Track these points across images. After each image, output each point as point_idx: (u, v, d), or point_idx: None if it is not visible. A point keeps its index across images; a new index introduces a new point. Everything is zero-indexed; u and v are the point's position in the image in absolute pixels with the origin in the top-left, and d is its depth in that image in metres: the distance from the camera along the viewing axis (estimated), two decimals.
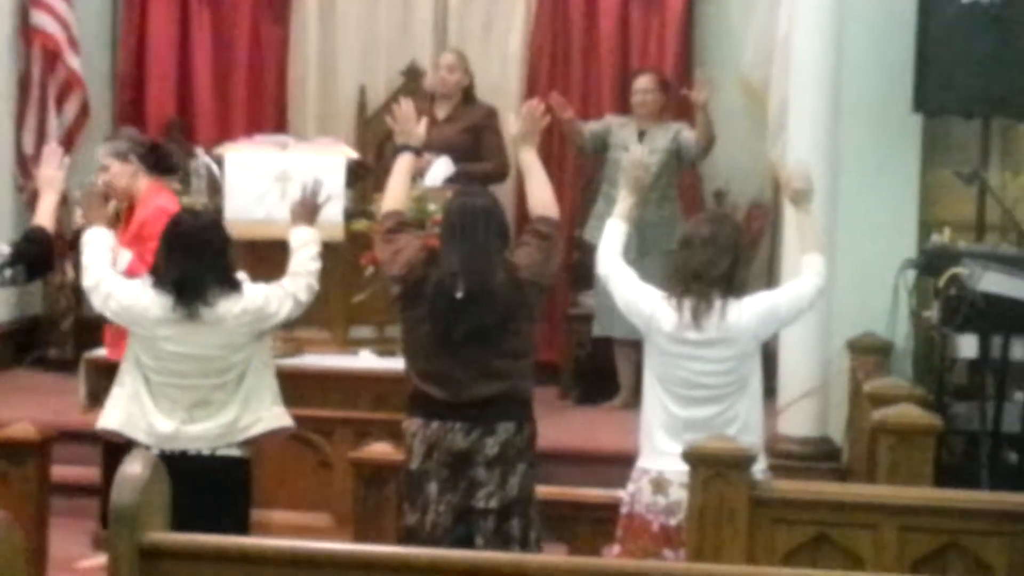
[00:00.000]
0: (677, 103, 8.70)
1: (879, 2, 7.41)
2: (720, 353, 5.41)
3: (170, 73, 9.69)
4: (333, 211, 6.81)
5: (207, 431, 5.39)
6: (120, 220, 6.58)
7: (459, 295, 5.30)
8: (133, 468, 3.91)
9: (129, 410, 5.45)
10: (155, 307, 5.35)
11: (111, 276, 5.50)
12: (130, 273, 5.85)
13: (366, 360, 7.16)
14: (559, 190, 5.81)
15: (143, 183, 6.59)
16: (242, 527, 5.28)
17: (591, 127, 8.57)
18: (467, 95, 8.75)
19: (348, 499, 6.13)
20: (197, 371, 5.37)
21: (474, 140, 8.53)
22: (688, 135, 8.34)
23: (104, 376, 6.43)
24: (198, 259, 5.35)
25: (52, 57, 9.29)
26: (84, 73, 9.40)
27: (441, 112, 8.57)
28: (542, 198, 5.57)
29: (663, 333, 5.43)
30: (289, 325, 6.02)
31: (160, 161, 6.72)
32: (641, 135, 8.36)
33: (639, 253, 7.44)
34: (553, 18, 9.45)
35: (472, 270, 5.33)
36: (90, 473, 6.78)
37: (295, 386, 5.90)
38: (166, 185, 6.86)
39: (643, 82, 8.55)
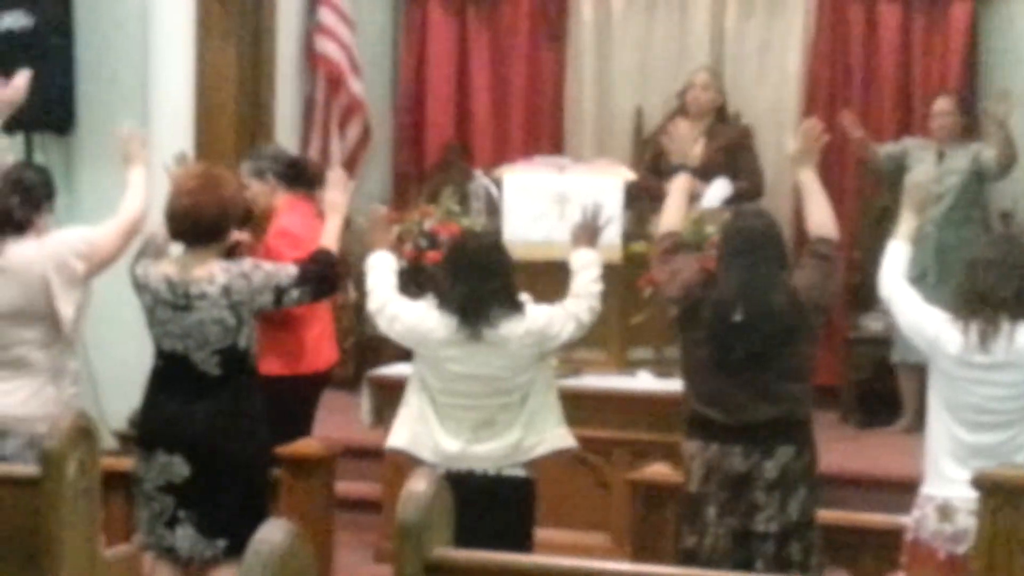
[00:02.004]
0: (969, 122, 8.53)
1: None
2: (1009, 377, 5.26)
3: (449, 96, 9.84)
4: (611, 232, 6.82)
5: (492, 451, 5.40)
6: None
7: (738, 318, 5.26)
8: (418, 485, 3.96)
9: (415, 430, 5.49)
10: (439, 328, 5.39)
11: (396, 299, 5.57)
12: None
13: (644, 381, 7.15)
14: (838, 210, 5.73)
15: (281, 199, 6.57)
16: (525, 547, 5.29)
17: (887, 149, 8.46)
18: (720, 114, 8.71)
19: (626, 520, 6.13)
20: (481, 392, 5.40)
21: (728, 159, 8.47)
22: (988, 154, 8.16)
23: (387, 394, 6.55)
24: (481, 280, 5.37)
25: (335, 82, 9.49)
26: (366, 97, 9.60)
27: (695, 131, 8.55)
28: (821, 218, 5.50)
29: (949, 356, 5.30)
30: (568, 346, 6.04)
31: (300, 176, 6.71)
32: (940, 156, 8.24)
33: (938, 277, 7.32)
34: (832, 37, 9.34)
35: (751, 292, 5.28)
36: (373, 489, 6.90)
37: (574, 407, 5.89)
38: (309, 198, 6.86)
39: (942, 104, 8.42)
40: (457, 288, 5.37)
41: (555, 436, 5.47)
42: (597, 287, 5.53)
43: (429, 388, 5.45)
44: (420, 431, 5.45)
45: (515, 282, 5.47)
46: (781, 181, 8.69)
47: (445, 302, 5.39)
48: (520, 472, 5.42)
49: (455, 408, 5.40)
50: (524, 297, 5.45)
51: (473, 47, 9.85)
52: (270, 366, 5.81)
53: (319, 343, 6.46)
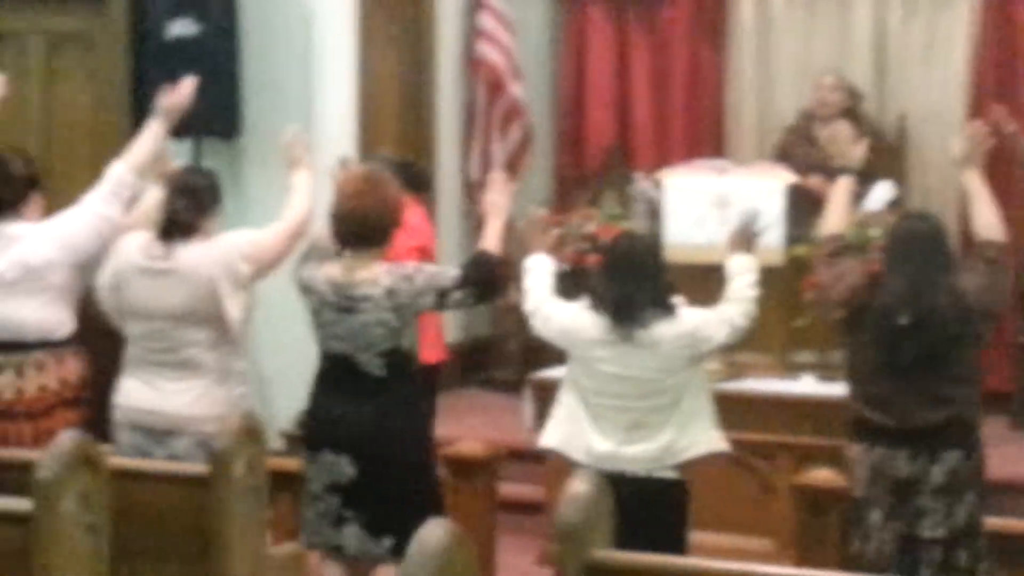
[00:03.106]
0: None
1: None
2: None
3: (609, 100, 9.85)
4: (772, 236, 6.77)
5: (643, 453, 5.40)
6: None
7: (903, 321, 5.20)
8: (579, 487, 3.96)
9: (568, 430, 5.52)
10: (592, 329, 5.41)
11: (550, 300, 5.60)
12: None
13: (808, 385, 7.09)
14: (1006, 213, 5.63)
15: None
16: (678, 549, 5.28)
17: None
18: (848, 116, 8.62)
19: (789, 524, 6.08)
20: (633, 393, 5.40)
21: None
22: None
23: (549, 397, 6.54)
24: (635, 282, 5.38)
25: (496, 86, 9.53)
26: (526, 101, 9.63)
27: (822, 132, 8.46)
28: (988, 221, 5.42)
29: None
30: (730, 349, 6.01)
31: (412, 179, 6.74)
32: None
33: None
34: (997, 36, 9.19)
35: (917, 296, 5.23)
36: (536, 491, 6.91)
37: (736, 410, 5.88)
38: (419, 200, 6.84)
39: None
40: (610, 289, 5.39)
41: (708, 439, 5.45)
42: (752, 292, 5.50)
43: (582, 389, 5.47)
44: (572, 432, 5.47)
45: (669, 284, 5.46)
46: (946, 183, 8.58)
47: (598, 303, 5.41)
48: (671, 474, 5.41)
49: (607, 409, 5.41)
50: (678, 300, 5.44)
51: (633, 50, 9.84)
52: None
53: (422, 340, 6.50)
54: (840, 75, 8.84)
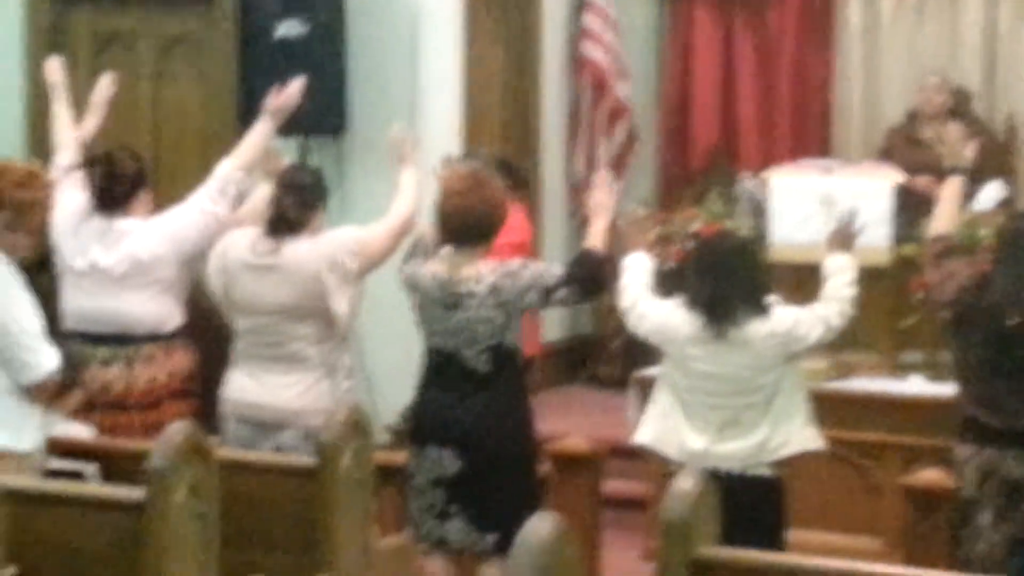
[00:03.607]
0: None
1: None
2: None
3: (714, 99, 9.80)
4: (879, 235, 6.73)
5: (737, 450, 5.40)
6: None
7: (1012, 321, 5.16)
8: (684, 484, 3.95)
9: (662, 427, 5.53)
10: (685, 326, 5.41)
11: (646, 297, 5.60)
12: None
13: (916, 385, 7.03)
14: None
15: None
16: (775, 546, 5.26)
17: None
18: (954, 116, 8.53)
19: (898, 524, 6.03)
20: (727, 390, 5.40)
21: None
22: None
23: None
24: (728, 280, 5.38)
25: (601, 86, 9.53)
26: (631, 100, 9.62)
27: (926, 134, 8.37)
28: None
29: None
30: (837, 349, 5.98)
31: (511, 177, 6.73)
32: None
33: None
34: None
35: None
36: (640, 488, 6.90)
37: (843, 409, 5.85)
38: (518, 198, 6.81)
39: None
40: (703, 287, 5.39)
41: (803, 437, 5.44)
42: (849, 291, 5.48)
43: (675, 386, 5.48)
44: (667, 428, 5.49)
45: (763, 283, 5.45)
46: None
47: (692, 301, 5.40)
48: (766, 472, 5.40)
49: (701, 406, 5.42)
50: (772, 298, 5.42)
51: (739, 49, 9.79)
52: None
53: None
54: (945, 76, 8.75)
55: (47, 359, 5.06)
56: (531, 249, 6.80)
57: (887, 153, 8.65)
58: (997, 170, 8.25)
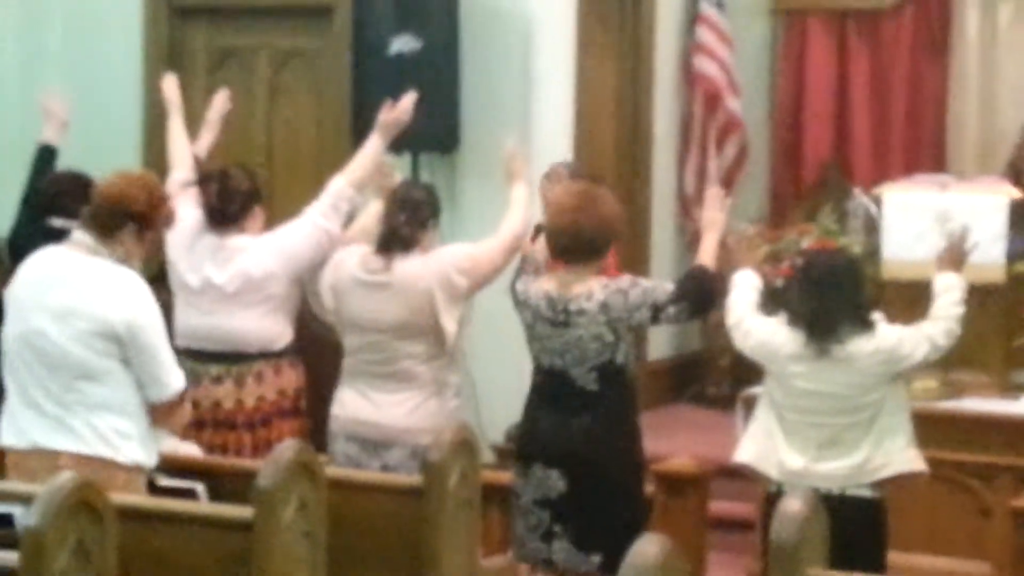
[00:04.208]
0: None
1: None
2: None
3: (827, 114, 9.73)
4: (994, 252, 6.64)
5: (836, 470, 5.35)
6: None
7: None
8: (794, 505, 3.94)
9: (762, 445, 5.50)
10: (788, 344, 5.38)
11: (751, 315, 5.58)
12: None
13: None
14: None
15: None
16: (876, 568, 5.21)
17: None
18: None
19: (1008, 548, 5.95)
20: (828, 409, 5.35)
21: None
22: None
23: None
24: (831, 296, 5.34)
25: (713, 100, 9.50)
26: (743, 115, 9.58)
27: None
28: None
29: None
30: (946, 368, 5.92)
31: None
32: None
33: None
34: None
35: None
36: (747, 509, 6.86)
37: (953, 429, 5.79)
38: None
39: None
40: (807, 304, 5.35)
41: (904, 458, 5.38)
42: (957, 311, 5.43)
43: (776, 405, 5.46)
44: (766, 447, 5.46)
45: (867, 300, 5.41)
46: None
47: (794, 317, 5.37)
48: (866, 492, 5.35)
49: (801, 425, 5.38)
50: (876, 316, 5.38)
51: (852, 62, 9.71)
52: None
53: None
54: None
55: (176, 378, 5.06)
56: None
57: (1015, 167, 8.54)
58: None
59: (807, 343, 5.33)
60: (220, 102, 6.84)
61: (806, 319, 5.35)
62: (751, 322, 5.56)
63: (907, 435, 5.40)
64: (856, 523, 5.29)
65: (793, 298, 5.48)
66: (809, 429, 5.38)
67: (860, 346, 5.30)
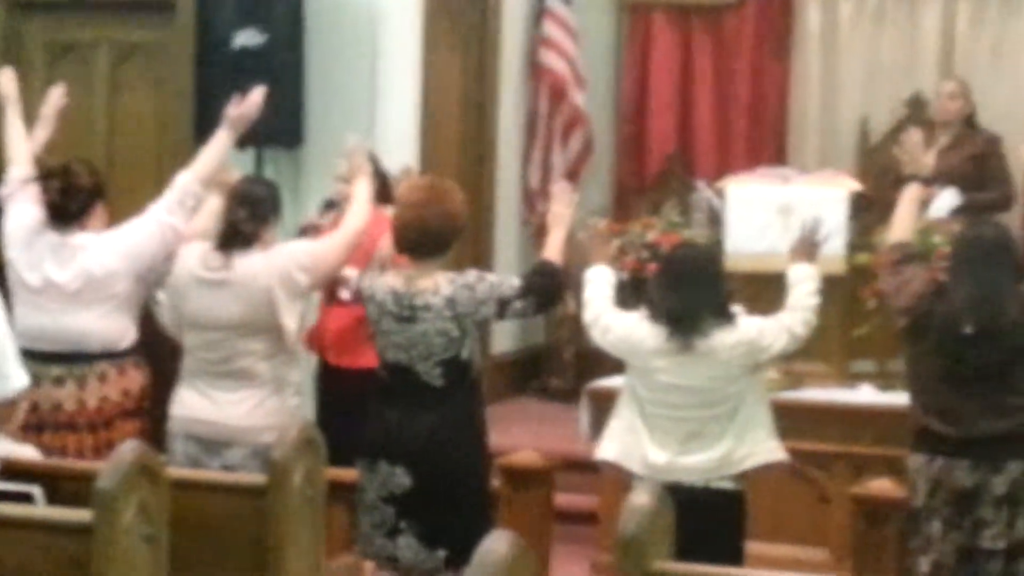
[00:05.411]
0: None
1: None
2: None
3: (672, 107, 9.83)
4: (835, 244, 6.74)
5: (700, 463, 5.39)
6: None
7: (968, 330, 5.18)
8: (640, 498, 3.96)
9: (625, 441, 5.51)
10: (650, 338, 5.40)
11: (610, 310, 5.60)
12: None
13: (867, 394, 7.04)
14: None
15: None
16: (735, 560, 5.27)
17: None
18: (969, 123, 8.53)
19: (847, 535, 6.05)
20: (691, 402, 5.39)
21: (977, 169, 8.29)
22: None
23: (605, 407, 6.54)
24: (693, 290, 5.37)
25: (558, 94, 9.54)
26: (588, 109, 9.64)
27: (942, 140, 8.35)
28: None
29: None
30: (788, 358, 5.99)
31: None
32: None
33: None
34: None
35: (982, 305, 5.21)
36: (590, 501, 6.91)
37: (794, 419, 5.86)
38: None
39: None
40: (668, 298, 5.38)
41: (766, 449, 5.43)
42: (813, 301, 5.49)
43: (639, 400, 5.47)
44: (629, 443, 5.48)
45: (728, 293, 5.45)
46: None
47: (656, 312, 5.40)
48: (729, 485, 5.40)
49: (664, 419, 5.41)
50: (736, 308, 5.43)
51: (696, 57, 9.82)
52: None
53: None
54: (962, 82, 8.66)
55: (17, 377, 4.96)
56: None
57: (888, 170, 8.64)
58: (973, 178, 8.24)
59: (669, 337, 5.35)
60: (55, 97, 6.70)
61: (668, 314, 5.36)
62: (610, 318, 5.57)
63: (768, 426, 5.45)
64: (719, 515, 5.35)
65: (654, 293, 5.51)
66: (672, 423, 5.39)
67: (722, 339, 5.33)
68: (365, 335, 5.72)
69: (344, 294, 6.24)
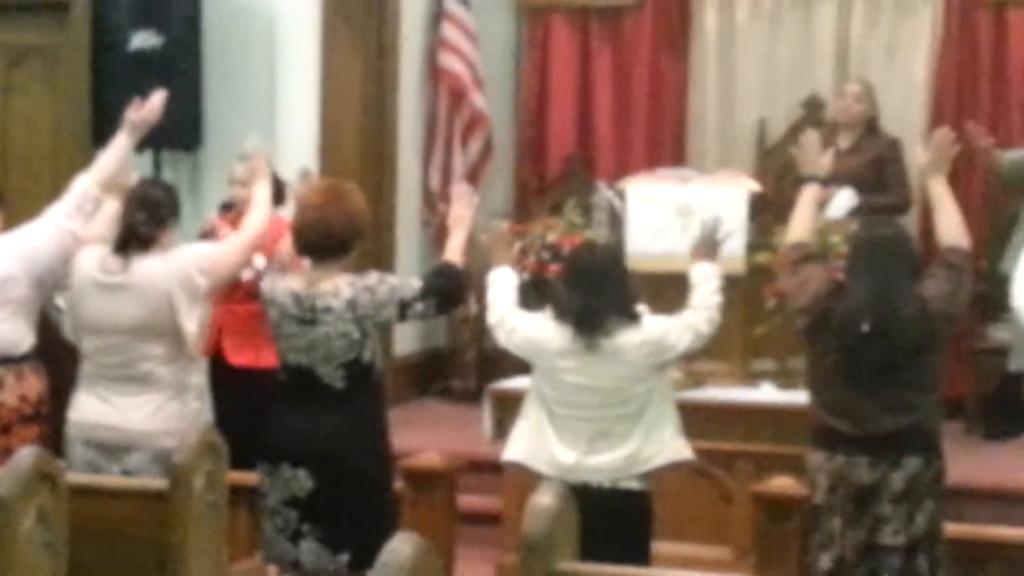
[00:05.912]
0: None
1: None
2: None
3: (571, 109, 9.85)
4: (734, 244, 6.78)
5: (608, 462, 5.39)
6: None
7: (866, 328, 5.23)
8: (544, 499, 3.96)
9: (532, 442, 5.50)
10: (556, 339, 5.40)
11: (515, 312, 5.60)
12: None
13: (767, 393, 7.08)
14: (966, 219, 5.65)
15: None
16: (642, 560, 5.28)
17: (1011, 156, 8.24)
18: (871, 126, 8.60)
19: (749, 533, 6.09)
20: (598, 402, 5.39)
21: (876, 171, 8.37)
22: None
23: (508, 407, 6.55)
24: (598, 291, 5.37)
25: (458, 96, 9.53)
26: (488, 111, 9.64)
27: (844, 142, 8.39)
28: (952, 228, 5.44)
29: None
30: (689, 358, 6.02)
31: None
32: None
33: None
34: (960, 43, 9.20)
35: (880, 303, 5.25)
36: (494, 502, 6.90)
37: (696, 419, 5.88)
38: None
39: None
40: (573, 299, 5.38)
41: (672, 448, 5.45)
42: (716, 299, 5.52)
43: (546, 400, 5.46)
44: (537, 444, 5.47)
45: (632, 293, 5.47)
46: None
47: (561, 313, 5.41)
48: (636, 484, 5.40)
49: (571, 420, 5.40)
50: (641, 308, 5.45)
51: (595, 59, 9.85)
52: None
53: None
54: (866, 85, 8.68)
55: None
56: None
57: (794, 174, 8.68)
58: (873, 181, 8.32)
59: (575, 338, 5.35)
60: None
61: (573, 314, 5.36)
62: (515, 319, 5.57)
63: (674, 424, 5.47)
64: (626, 515, 5.35)
65: (558, 293, 5.51)
66: (579, 423, 5.39)
67: (628, 338, 5.34)
68: (265, 333, 5.69)
69: (247, 274, 6.20)
